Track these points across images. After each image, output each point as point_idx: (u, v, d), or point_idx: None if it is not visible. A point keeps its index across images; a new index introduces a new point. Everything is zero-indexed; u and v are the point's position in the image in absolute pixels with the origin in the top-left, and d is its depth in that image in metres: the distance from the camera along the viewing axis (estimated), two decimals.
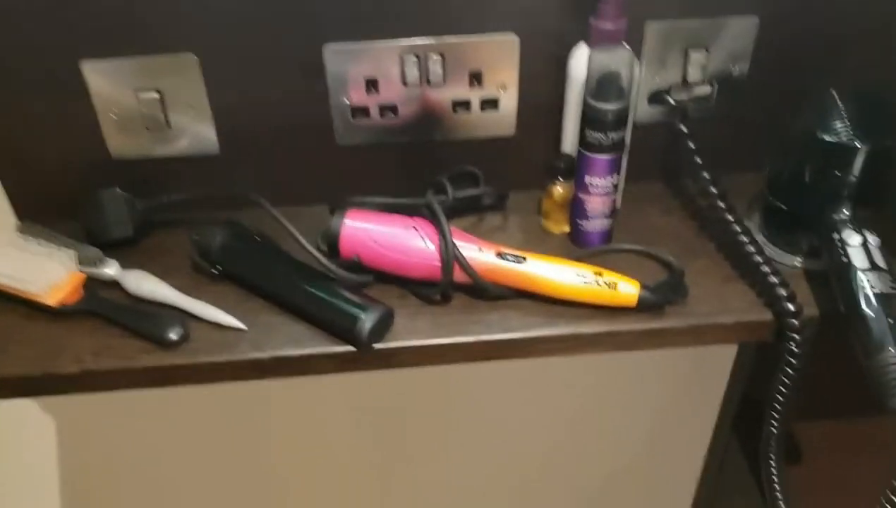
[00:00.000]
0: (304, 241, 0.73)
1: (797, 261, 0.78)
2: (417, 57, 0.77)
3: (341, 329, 0.71)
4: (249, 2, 0.72)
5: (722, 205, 0.77)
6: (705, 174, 0.78)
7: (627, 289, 0.73)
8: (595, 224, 0.79)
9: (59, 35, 0.72)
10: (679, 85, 0.83)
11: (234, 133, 0.80)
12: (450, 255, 0.72)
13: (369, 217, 0.75)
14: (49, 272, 0.73)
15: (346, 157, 0.83)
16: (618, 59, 0.71)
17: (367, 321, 0.69)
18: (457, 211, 0.84)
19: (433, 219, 0.74)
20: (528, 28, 0.77)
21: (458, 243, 0.73)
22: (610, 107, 0.71)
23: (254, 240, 0.77)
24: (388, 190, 0.84)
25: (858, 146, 0.70)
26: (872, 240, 0.72)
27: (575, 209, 0.80)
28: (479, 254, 0.73)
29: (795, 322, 0.72)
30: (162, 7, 0.72)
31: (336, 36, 0.75)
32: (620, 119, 0.72)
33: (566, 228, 0.82)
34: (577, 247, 0.81)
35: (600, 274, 0.73)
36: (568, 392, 1.21)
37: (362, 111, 0.80)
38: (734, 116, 0.86)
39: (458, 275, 0.73)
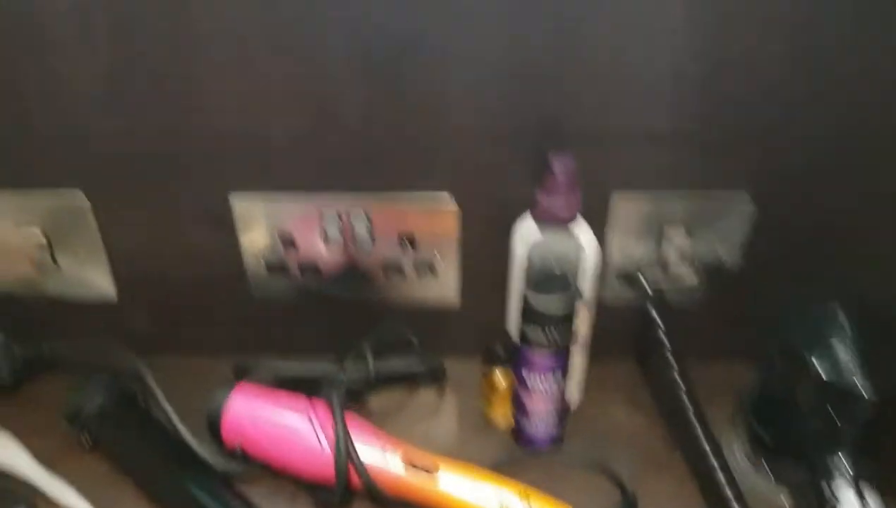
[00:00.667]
0: (177, 423, 0.62)
1: (782, 498, 0.64)
2: (339, 215, 0.66)
3: None
4: (143, 141, 0.63)
5: (694, 420, 0.64)
6: (677, 378, 0.65)
7: None
8: (538, 425, 0.66)
9: None
10: (654, 265, 0.70)
11: (134, 280, 0.71)
12: (343, 463, 0.60)
13: (260, 397, 0.64)
14: None
15: (263, 310, 0.73)
16: (563, 246, 0.59)
17: None
18: (387, 380, 0.72)
19: (331, 413, 0.62)
20: (468, 190, 0.66)
21: (358, 444, 0.61)
22: (551, 301, 0.59)
23: (135, 407, 0.67)
24: (309, 347, 0.74)
25: (865, 396, 0.56)
26: (872, 503, 0.57)
27: (515, 405, 0.67)
28: (382, 460, 0.61)
29: None
30: (48, 142, 0.63)
31: (243, 184, 0.65)
32: (564, 315, 0.60)
33: (508, 419, 0.69)
34: (519, 447, 0.68)
35: (528, 500, 0.60)
36: None
37: (279, 267, 0.70)
38: (722, 307, 0.72)
39: (356, 476, 0.61)
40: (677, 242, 0.68)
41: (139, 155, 0.63)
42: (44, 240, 0.67)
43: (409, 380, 0.73)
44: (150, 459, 0.64)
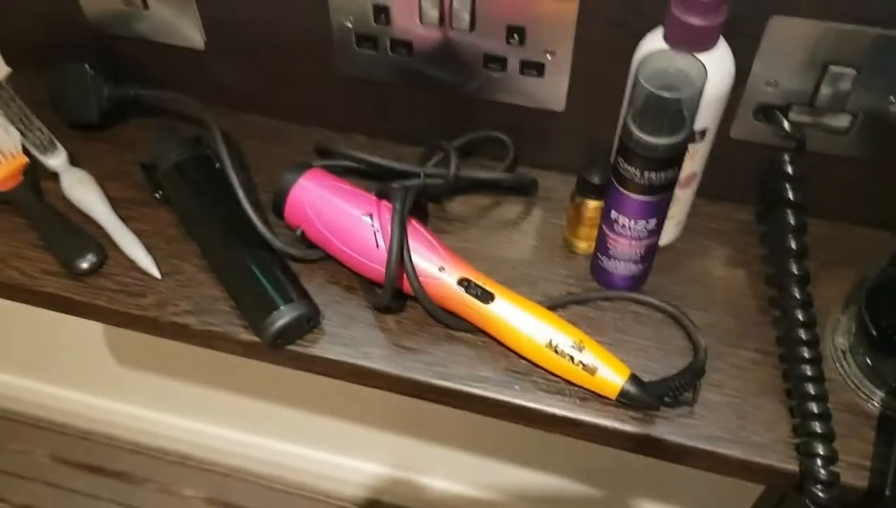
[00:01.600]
0: (243, 199, 0.60)
1: (875, 401, 0.56)
2: None
3: (254, 314, 0.59)
4: None
5: (795, 290, 0.55)
6: (791, 239, 0.55)
7: (609, 378, 0.55)
8: (618, 265, 0.59)
9: None
10: (804, 107, 0.58)
11: (222, 31, 0.66)
12: (393, 270, 0.56)
13: (330, 186, 0.60)
14: None
15: (348, 86, 0.67)
16: (685, 72, 0.48)
17: (278, 318, 0.57)
18: (471, 185, 0.66)
19: (392, 217, 0.58)
20: None
21: (416, 255, 0.57)
22: (655, 141, 0.50)
23: (208, 169, 0.65)
24: (394, 135, 0.68)
25: None
26: None
27: (599, 241, 0.60)
28: (437, 275, 0.57)
29: (822, 494, 0.52)
30: None
31: None
32: (670, 158, 0.51)
33: (591, 247, 0.63)
34: (593, 280, 0.62)
35: (581, 348, 0.55)
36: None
37: (369, 40, 0.62)
38: (878, 169, 0.60)
39: (409, 286, 0.58)
40: (840, 86, 0.55)
41: None
42: None
43: (494, 189, 0.67)
44: (212, 224, 0.62)
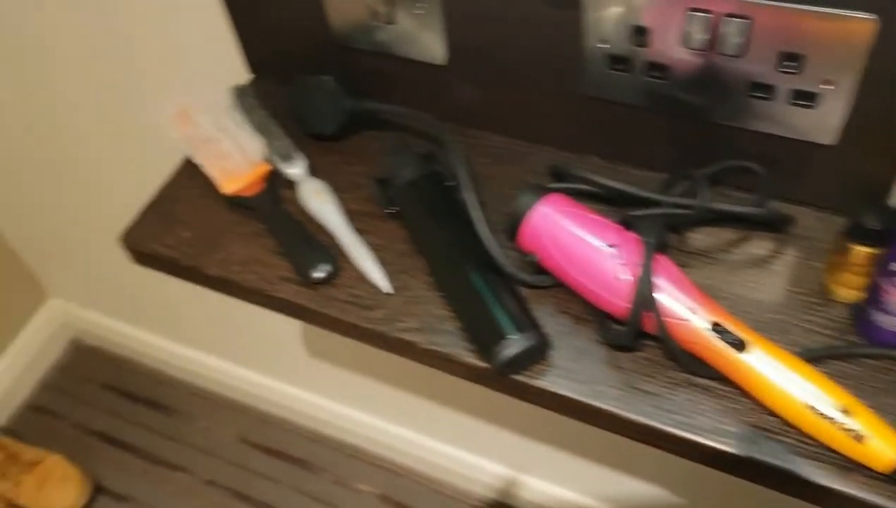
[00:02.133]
0: (480, 221, 0.59)
1: None
2: (709, 14, 0.53)
3: (482, 340, 0.57)
4: None
5: None
6: None
7: (881, 449, 0.49)
8: (893, 321, 0.53)
9: None
10: None
11: (465, 46, 0.64)
12: (640, 307, 0.53)
13: (571, 213, 0.57)
14: (235, 157, 0.67)
15: (590, 108, 0.63)
16: None
17: (508, 347, 0.55)
18: (719, 217, 0.62)
19: (641, 246, 0.54)
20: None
21: (664, 293, 0.53)
22: None
23: (441, 187, 0.63)
24: (637, 161, 0.65)
25: None
26: None
27: (871, 291, 0.54)
28: (686, 317, 0.53)
29: None
30: None
31: None
32: None
33: (856, 295, 0.57)
34: (857, 334, 0.56)
35: (846, 411, 0.49)
36: None
37: (622, 61, 0.59)
38: None
39: (653, 325, 0.55)
40: None
41: None
42: None
43: (744, 223, 0.62)
44: (444, 243, 0.61)
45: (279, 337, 1.37)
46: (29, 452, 1.55)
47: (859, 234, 0.54)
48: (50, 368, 1.73)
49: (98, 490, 1.55)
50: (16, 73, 1.05)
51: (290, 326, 1.33)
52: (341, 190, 0.68)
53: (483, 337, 0.57)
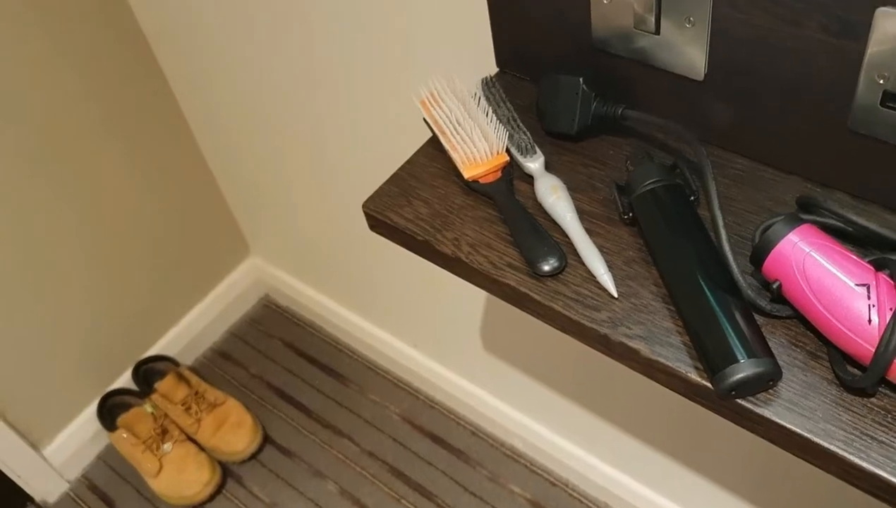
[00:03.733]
0: (722, 234, 0.58)
1: None
2: None
3: (711, 359, 0.57)
4: None
5: None
6: None
7: None
8: None
9: None
10: None
11: (727, 65, 0.64)
12: (888, 355, 0.51)
13: (822, 246, 0.56)
14: (479, 144, 0.70)
15: (851, 142, 0.61)
16: None
17: (739, 371, 0.54)
18: None
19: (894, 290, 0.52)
20: None
21: None
22: None
23: (682, 200, 0.63)
24: (885, 200, 0.63)
25: None
26: None
27: None
28: None
29: None
30: None
31: None
32: None
33: None
34: None
35: None
36: None
37: None
38: None
39: None
40: None
41: None
42: (654, 2, 0.63)
43: None
44: (679, 255, 0.61)
45: (458, 327, 1.41)
46: (212, 393, 1.68)
47: None
48: (240, 320, 1.87)
49: (267, 441, 1.66)
50: (276, 32, 1.14)
51: (470, 318, 1.37)
52: (575, 189, 0.69)
53: (713, 356, 0.56)
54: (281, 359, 1.79)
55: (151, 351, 1.73)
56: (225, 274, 1.82)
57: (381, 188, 0.73)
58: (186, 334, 1.78)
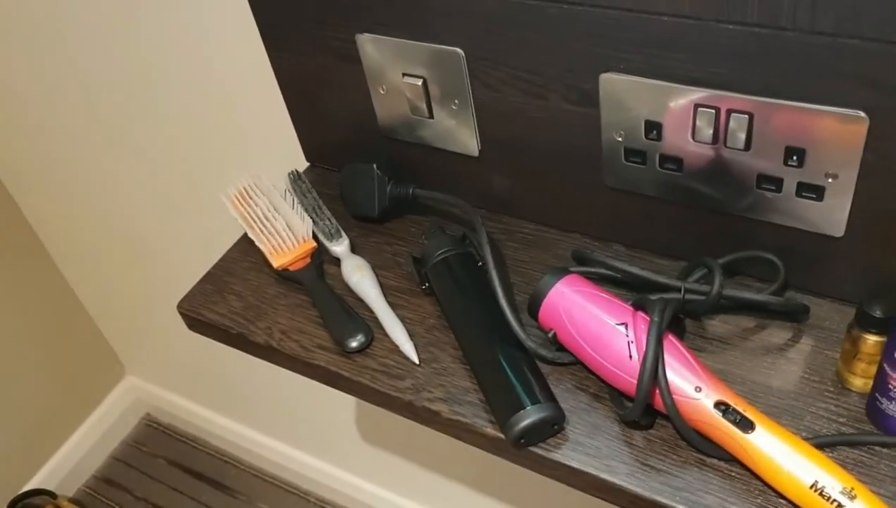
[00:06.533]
0: (501, 298, 0.62)
1: None
2: (716, 111, 0.57)
3: (501, 410, 0.60)
4: (530, 13, 0.59)
5: None
6: None
7: None
8: None
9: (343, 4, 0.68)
10: None
11: (496, 140, 0.70)
12: (646, 384, 0.55)
13: (586, 293, 0.61)
14: (285, 235, 0.73)
15: (612, 198, 0.67)
16: None
17: (524, 418, 0.57)
18: (735, 306, 0.64)
19: (648, 329, 0.57)
20: (885, 108, 0.51)
21: (671, 372, 0.55)
22: None
23: (471, 267, 0.68)
24: (658, 249, 0.68)
25: None
26: None
27: (878, 380, 0.55)
28: (693, 395, 0.55)
29: None
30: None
31: (619, 64, 0.59)
32: None
33: (868, 384, 0.57)
34: (869, 422, 0.57)
35: (853, 495, 0.50)
36: None
37: (637, 154, 0.63)
38: None
39: (662, 403, 0.56)
40: None
41: (521, 18, 0.60)
42: (422, 91, 0.69)
43: (761, 311, 0.64)
44: (470, 319, 0.65)
45: (337, 423, 1.41)
46: None
47: (866, 323, 0.55)
48: (122, 442, 1.81)
49: None
50: (98, 146, 1.16)
51: (346, 413, 1.37)
52: (381, 267, 0.73)
53: (502, 408, 0.60)
54: (166, 479, 1.73)
55: (29, 486, 1.65)
56: (102, 398, 1.77)
57: (195, 287, 0.75)
58: (66, 464, 1.71)
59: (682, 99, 0.57)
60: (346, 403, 1.35)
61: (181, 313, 0.74)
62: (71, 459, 1.72)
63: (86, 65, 1.00)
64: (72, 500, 1.69)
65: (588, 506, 1.09)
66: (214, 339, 0.74)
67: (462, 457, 1.25)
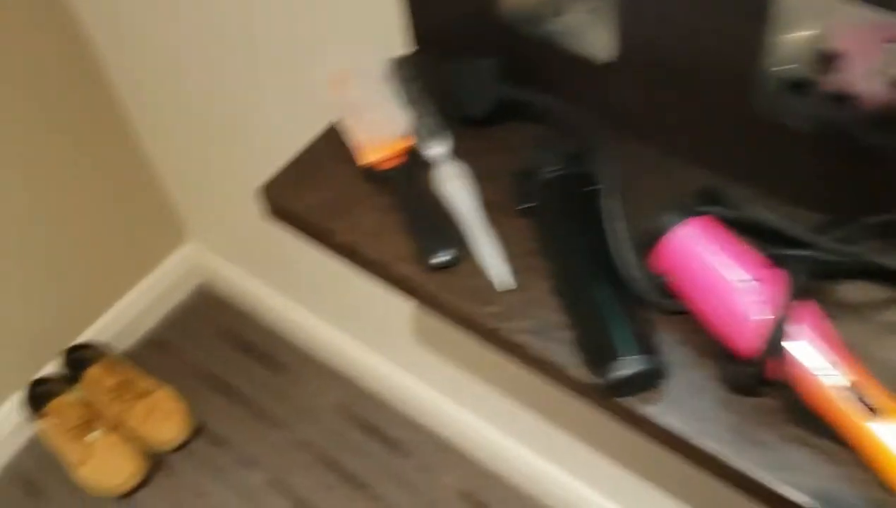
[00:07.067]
0: (614, 230, 0.56)
1: None
2: None
3: (595, 355, 0.55)
4: None
5: None
6: None
7: None
8: None
9: None
10: None
11: (637, 49, 0.61)
12: (773, 348, 0.49)
13: (715, 237, 0.54)
14: (381, 128, 0.68)
15: (758, 131, 0.59)
16: None
17: (622, 367, 0.52)
18: (878, 273, 0.57)
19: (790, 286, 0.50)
20: None
21: (804, 341, 0.49)
22: None
23: (581, 194, 0.61)
24: (790, 195, 0.61)
25: None
26: None
27: None
28: (825, 370, 0.49)
29: None
30: None
31: None
32: None
33: None
34: None
35: None
36: None
37: (806, 86, 0.55)
38: None
39: (782, 373, 0.51)
40: None
41: None
42: None
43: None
44: (570, 247, 0.59)
45: (391, 316, 1.38)
46: (144, 381, 1.64)
47: None
48: (176, 307, 1.82)
49: (199, 429, 1.62)
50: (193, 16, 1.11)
51: (403, 307, 1.34)
52: (478, 178, 0.67)
53: (596, 352, 0.55)
54: (216, 348, 1.74)
55: (82, 338, 1.68)
56: (159, 260, 1.77)
57: (279, 173, 0.70)
58: (119, 320, 1.73)
59: (872, 30, 0.49)
60: (407, 302, 1.32)
61: (264, 201, 0.70)
62: (125, 316, 1.74)
63: None
64: (123, 356, 1.72)
65: (675, 465, 1.06)
66: (296, 230, 0.69)
67: (532, 382, 1.22)
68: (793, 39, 0.53)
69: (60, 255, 1.56)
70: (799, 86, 0.55)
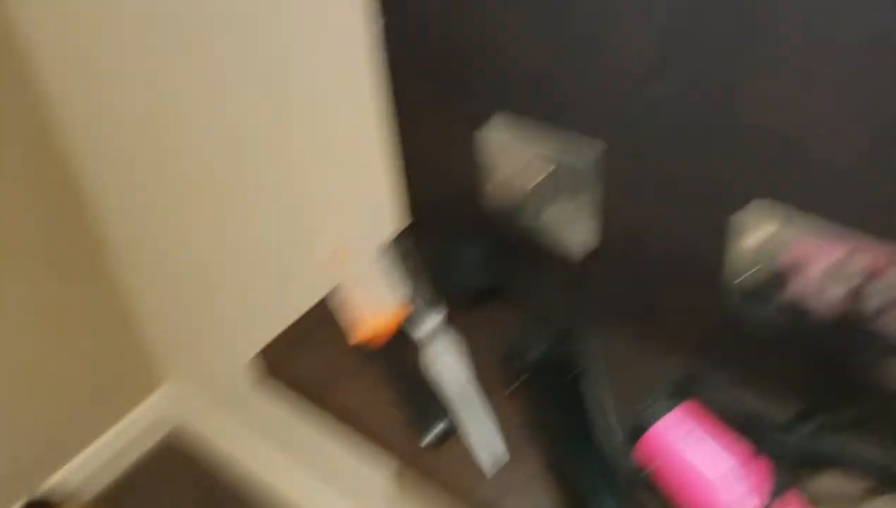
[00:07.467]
0: (601, 413, 0.58)
1: None
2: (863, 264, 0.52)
3: None
4: (679, 115, 0.57)
5: None
6: None
7: None
8: None
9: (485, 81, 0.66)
10: None
11: (615, 239, 0.66)
12: None
13: (696, 429, 0.56)
14: (372, 306, 0.71)
15: (733, 331, 0.63)
16: None
17: None
18: (845, 464, 0.58)
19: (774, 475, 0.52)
20: None
21: None
22: None
23: (567, 375, 0.64)
24: (783, 390, 0.64)
25: None
26: None
27: None
28: None
29: None
30: (578, 91, 0.60)
31: (764, 192, 0.55)
32: None
33: None
34: None
35: None
36: None
37: (765, 293, 0.59)
38: None
39: None
40: None
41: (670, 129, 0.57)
42: (549, 176, 0.66)
43: (873, 475, 0.59)
44: (557, 432, 0.61)
45: (372, 472, 1.36)
46: None
47: None
48: (147, 452, 1.78)
49: None
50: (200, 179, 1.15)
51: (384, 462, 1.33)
52: (470, 353, 0.69)
53: None
54: (187, 495, 1.70)
55: (50, 482, 1.63)
56: (133, 405, 1.75)
57: (278, 337, 0.73)
58: (87, 466, 1.69)
59: (829, 247, 0.54)
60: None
61: (261, 362, 0.71)
62: (94, 462, 1.69)
63: (185, 109, 1.00)
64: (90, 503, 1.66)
65: None
66: (292, 393, 0.71)
67: None
68: (753, 246, 0.58)
69: (29, 397, 1.54)
70: (759, 294, 0.59)
